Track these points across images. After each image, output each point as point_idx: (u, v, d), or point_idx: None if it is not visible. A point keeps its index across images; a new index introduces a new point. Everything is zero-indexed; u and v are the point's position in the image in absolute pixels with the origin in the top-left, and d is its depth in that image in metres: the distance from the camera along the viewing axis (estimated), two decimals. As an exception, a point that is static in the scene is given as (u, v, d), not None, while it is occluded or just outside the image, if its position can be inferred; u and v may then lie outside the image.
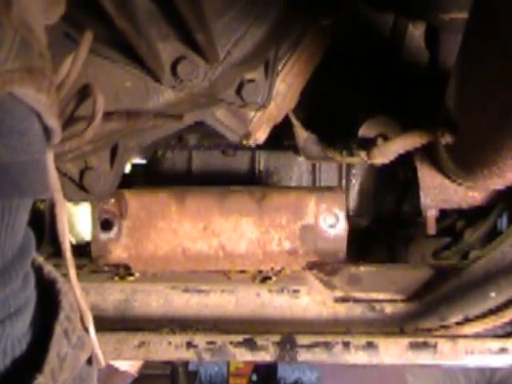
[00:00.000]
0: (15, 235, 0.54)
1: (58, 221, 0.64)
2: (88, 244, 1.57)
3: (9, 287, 0.53)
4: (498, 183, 1.02)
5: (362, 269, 1.21)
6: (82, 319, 0.68)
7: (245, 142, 1.19)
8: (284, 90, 1.17)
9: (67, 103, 0.63)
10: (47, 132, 0.54)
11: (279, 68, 1.14)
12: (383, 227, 1.58)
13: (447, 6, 1.10)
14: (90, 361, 0.68)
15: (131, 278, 1.19)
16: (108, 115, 0.91)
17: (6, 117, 0.47)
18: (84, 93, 0.64)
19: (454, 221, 1.51)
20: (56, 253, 1.30)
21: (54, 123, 0.53)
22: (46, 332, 0.59)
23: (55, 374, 0.57)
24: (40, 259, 0.63)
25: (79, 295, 0.67)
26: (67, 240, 0.66)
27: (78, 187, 1.09)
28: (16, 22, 0.44)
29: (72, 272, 0.67)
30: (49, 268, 0.63)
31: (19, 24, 0.45)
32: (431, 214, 1.25)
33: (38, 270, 0.61)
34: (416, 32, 1.29)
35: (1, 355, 0.54)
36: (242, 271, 1.24)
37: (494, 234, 1.40)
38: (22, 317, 0.56)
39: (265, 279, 1.20)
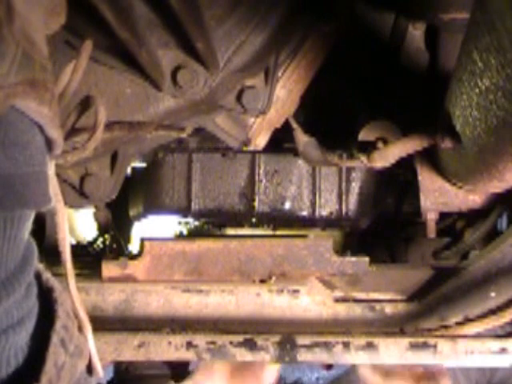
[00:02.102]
0: (17, 246, 0.54)
1: (59, 231, 0.65)
2: (88, 244, 1.57)
3: (12, 297, 0.54)
4: (498, 186, 1.02)
5: (362, 269, 1.21)
6: (80, 328, 0.68)
7: (245, 148, 1.20)
8: (284, 95, 1.18)
9: (68, 115, 0.63)
10: (49, 143, 0.54)
11: (279, 74, 1.14)
12: (383, 227, 1.57)
13: (447, 5, 1.10)
14: (90, 370, 0.68)
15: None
16: (110, 126, 0.92)
17: (8, 129, 0.48)
18: (85, 104, 0.64)
19: (454, 221, 1.51)
20: (56, 254, 1.29)
21: (55, 135, 0.53)
22: (43, 341, 0.59)
23: (53, 383, 0.57)
24: (39, 266, 0.63)
25: (78, 305, 0.67)
26: (68, 250, 0.66)
27: (79, 193, 1.10)
28: (18, 35, 0.45)
29: (72, 282, 0.67)
30: (47, 276, 0.64)
31: (21, 37, 0.45)
32: (431, 217, 1.25)
33: (36, 278, 0.62)
34: (416, 34, 1.28)
35: (4, 364, 0.54)
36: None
37: (494, 234, 1.40)
38: (25, 326, 0.56)
39: (265, 279, 1.20)
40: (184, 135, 1.11)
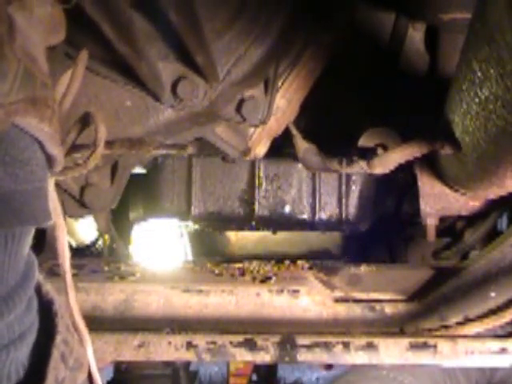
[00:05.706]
0: (18, 262, 0.54)
1: (58, 245, 0.65)
2: (88, 246, 1.57)
3: (13, 313, 0.54)
4: (497, 193, 1.02)
5: (362, 269, 1.21)
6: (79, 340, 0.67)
7: (245, 158, 1.20)
8: (284, 105, 1.18)
9: (68, 131, 0.63)
10: (50, 160, 0.54)
11: (279, 84, 1.14)
12: (383, 228, 1.58)
13: (447, 5, 1.10)
14: (90, 382, 0.68)
15: (131, 278, 1.19)
16: (110, 143, 0.92)
17: (9, 147, 0.48)
18: (85, 121, 0.64)
19: (454, 221, 1.51)
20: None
21: (56, 152, 0.53)
22: (43, 355, 0.59)
23: None
24: (39, 278, 0.63)
25: (78, 318, 0.67)
26: (67, 262, 0.66)
27: (79, 203, 1.10)
28: (19, 53, 0.45)
29: (71, 294, 0.67)
30: (47, 288, 0.64)
31: (22, 54, 0.45)
32: (431, 222, 1.25)
33: (36, 290, 0.62)
34: (416, 35, 1.28)
35: (5, 380, 0.54)
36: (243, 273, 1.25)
37: (493, 234, 1.40)
38: (26, 341, 0.56)
39: (265, 279, 1.20)
40: (185, 154, 1.11)
